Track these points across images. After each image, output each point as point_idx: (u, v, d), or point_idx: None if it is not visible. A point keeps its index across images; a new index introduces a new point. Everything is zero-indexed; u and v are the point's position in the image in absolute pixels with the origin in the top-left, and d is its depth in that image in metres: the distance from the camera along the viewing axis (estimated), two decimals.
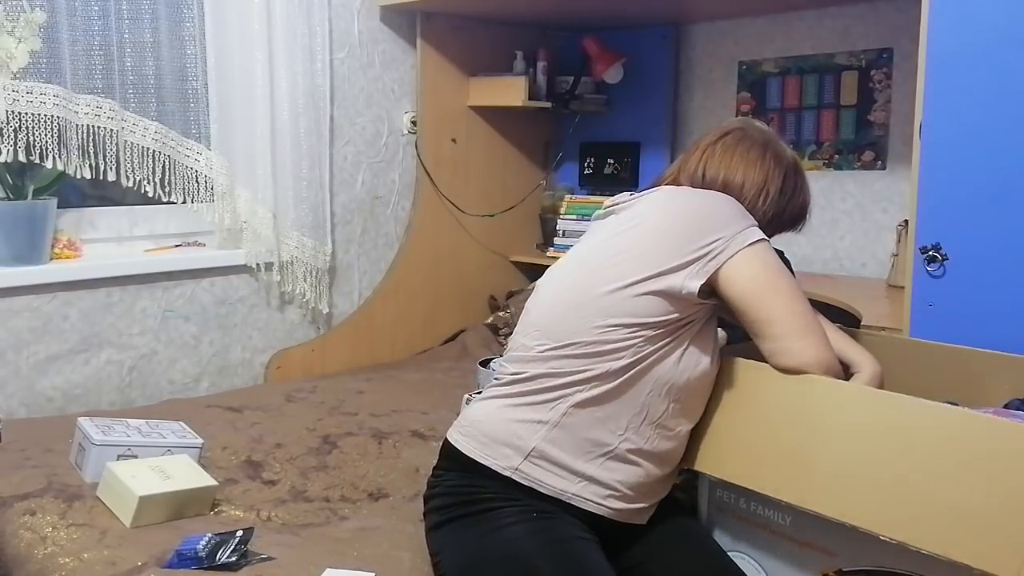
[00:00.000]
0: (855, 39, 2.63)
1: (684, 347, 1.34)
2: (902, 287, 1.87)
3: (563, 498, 1.32)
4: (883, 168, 2.61)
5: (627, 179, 3.11)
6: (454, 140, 2.98)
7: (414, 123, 2.89)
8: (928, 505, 1.15)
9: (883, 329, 1.88)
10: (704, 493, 1.51)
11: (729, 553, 1.44)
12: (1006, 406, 1.47)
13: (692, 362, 1.34)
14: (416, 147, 2.89)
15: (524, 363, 1.37)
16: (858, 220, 2.67)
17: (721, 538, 1.47)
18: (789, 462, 1.30)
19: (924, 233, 1.76)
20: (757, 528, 1.42)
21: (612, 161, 3.16)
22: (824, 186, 2.74)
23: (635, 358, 1.31)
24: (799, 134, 2.78)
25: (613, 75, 3.00)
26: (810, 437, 1.30)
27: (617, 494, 1.34)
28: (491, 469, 1.34)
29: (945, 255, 1.74)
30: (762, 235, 1.35)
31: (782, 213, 1.47)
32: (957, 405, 1.32)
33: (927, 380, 1.58)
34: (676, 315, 1.31)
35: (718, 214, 1.34)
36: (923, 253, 1.76)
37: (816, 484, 1.26)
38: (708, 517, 1.50)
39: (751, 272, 1.32)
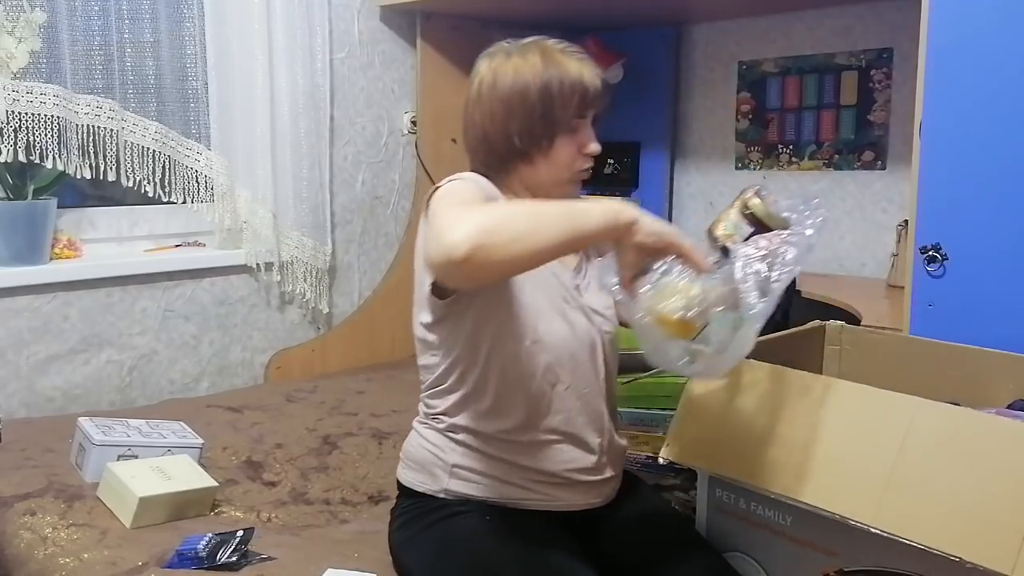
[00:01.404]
0: (855, 39, 2.63)
1: (507, 334, 1.32)
2: (902, 287, 1.87)
3: (503, 503, 1.33)
4: (883, 168, 2.61)
5: (627, 179, 3.12)
6: (454, 140, 2.97)
7: (414, 123, 2.89)
8: (926, 501, 1.15)
9: (883, 329, 1.88)
10: (704, 493, 1.51)
11: (729, 553, 1.44)
12: (1010, 406, 1.47)
13: (517, 336, 1.32)
14: (416, 147, 2.89)
15: (423, 396, 1.43)
16: (858, 220, 2.67)
17: (721, 538, 1.47)
18: (788, 458, 1.30)
19: (924, 233, 1.76)
20: (757, 528, 1.42)
21: (612, 161, 3.16)
22: (824, 186, 2.74)
23: (467, 363, 1.33)
24: (799, 134, 2.78)
25: (613, 75, 3.00)
26: (810, 434, 1.30)
27: (553, 482, 1.34)
28: (427, 494, 1.37)
29: (945, 255, 1.74)
30: (438, 185, 1.29)
31: (551, 108, 1.32)
32: (959, 405, 1.32)
33: (929, 379, 1.58)
34: (450, 324, 1.33)
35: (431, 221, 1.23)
36: (923, 253, 1.76)
37: (815, 480, 1.26)
38: (708, 517, 1.50)
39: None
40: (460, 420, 1.35)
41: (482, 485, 1.34)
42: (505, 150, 1.36)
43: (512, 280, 1.31)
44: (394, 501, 1.45)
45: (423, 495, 1.38)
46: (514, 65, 1.34)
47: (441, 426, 1.38)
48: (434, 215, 1.20)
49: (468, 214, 1.06)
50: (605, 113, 1.41)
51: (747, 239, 1.20)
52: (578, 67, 1.34)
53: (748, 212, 1.23)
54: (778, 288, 1.12)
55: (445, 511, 1.34)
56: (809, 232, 1.15)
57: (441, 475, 1.36)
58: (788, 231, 1.18)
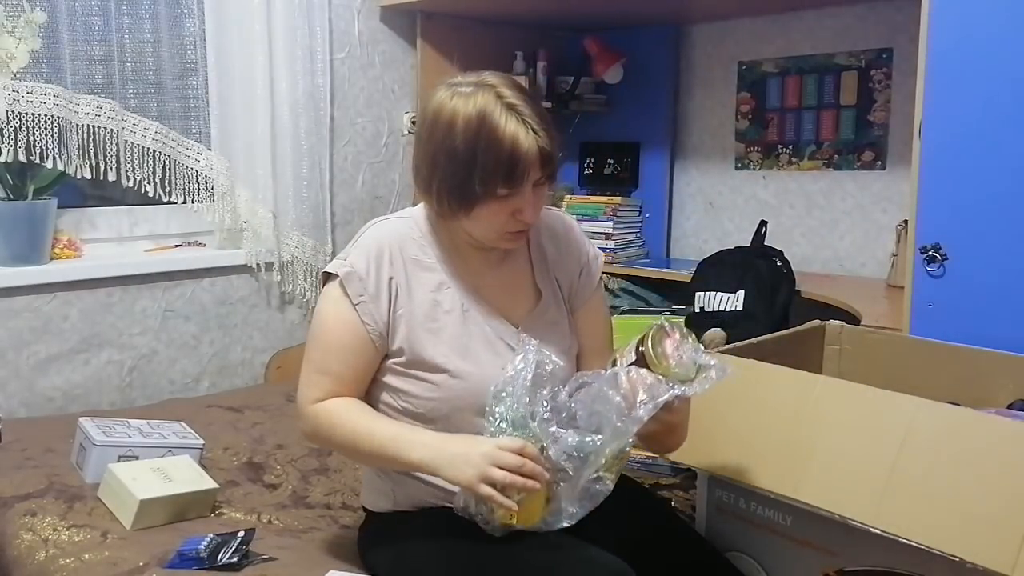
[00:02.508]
0: (855, 39, 2.63)
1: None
2: (902, 287, 1.87)
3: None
4: (883, 168, 2.61)
5: (627, 179, 3.12)
6: None
7: (414, 123, 2.89)
8: (925, 501, 1.16)
9: (883, 329, 1.88)
10: (703, 493, 1.51)
11: (729, 553, 1.44)
12: (1010, 406, 1.47)
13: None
14: None
15: None
16: (858, 220, 2.67)
17: (721, 538, 1.47)
18: (788, 458, 1.30)
19: (924, 233, 1.76)
20: (757, 528, 1.42)
21: (612, 161, 3.15)
22: (824, 186, 2.74)
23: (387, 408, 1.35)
24: (799, 134, 2.78)
25: (613, 75, 3.00)
26: (809, 434, 1.30)
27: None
28: (382, 513, 1.40)
29: (945, 255, 1.74)
30: (331, 273, 1.32)
31: (469, 180, 1.23)
32: (959, 406, 1.32)
33: (929, 380, 1.58)
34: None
35: None
36: (923, 253, 1.76)
37: (815, 480, 1.26)
38: (708, 517, 1.50)
39: None
40: None
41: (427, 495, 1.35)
42: (430, 202, 1.33)
43: (447, 347, 1.32)
44: None
45: (384, 513, 1.40)
46: (454, 111, 1.24)
47: None
48: (305, 353, 1.34)
49: (307, 416, 1.31)
50: (555, 176, 1.29)
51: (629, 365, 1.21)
52: (514, 133, 1.21)
53: (640, 348, 1.20)
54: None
55: (405, 527, 1.36)
56: (663, 398, 1.15)
57: (383, 499, 1.40)
58: (662, 380, 1.17)
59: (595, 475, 1.20)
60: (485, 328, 1.34)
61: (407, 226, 1.37)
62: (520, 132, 1.22)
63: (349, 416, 1.30)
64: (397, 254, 1.33)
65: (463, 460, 1.19)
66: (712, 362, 1.18)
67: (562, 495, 1.22)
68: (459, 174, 1.24)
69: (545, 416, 1.22)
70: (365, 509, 1.46)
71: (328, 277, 1.33)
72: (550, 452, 1.20)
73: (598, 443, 1.18)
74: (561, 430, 1.21)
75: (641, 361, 1.19)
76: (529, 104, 1.25)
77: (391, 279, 1.31)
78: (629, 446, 1.20)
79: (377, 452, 1.28)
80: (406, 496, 1.36)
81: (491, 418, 1.23)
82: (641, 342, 1.21)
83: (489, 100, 1.23)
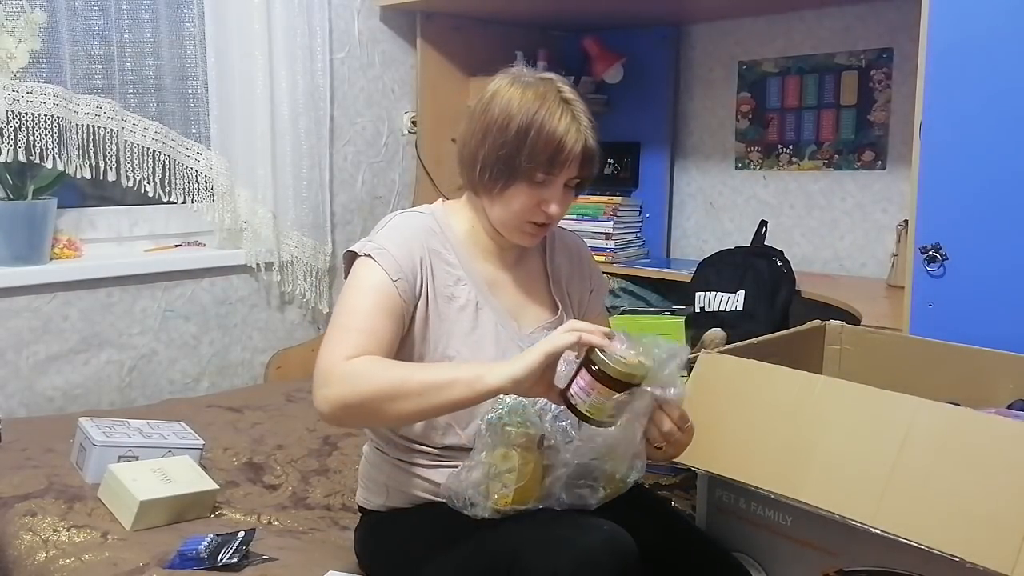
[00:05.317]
0: (855, 39, 2.63)
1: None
2: (902, 287, 1.87)
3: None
4: (883, 168, 2.61)
5: (627, 179, 3.11)
6: (454, 140, 2.95)
7: (414, 123, 2.89)
8: (926, 501, 1.16)
9: (883, 329, 1.88)
10: (704, 493, 1.51)
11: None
12: (1010, 406, 1.47)
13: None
14: (416, 147, 2.89)
15: None
16: (858, 220, 2.67)
17: (721, 538, 1.47)
18: (788, 458, 1.30)
19: (924, 233, 1.76)
20: (757, 528, 1.42)
21: (612, 161, 3.15)
22: (824, 186, 2.74)
23: None
24: (799, 134, 2.78)
25: (613, 75, 3.00)
26: (809, 434, 1.30)
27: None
28: (376, 511, 1.40)
29: (945, 255, 1.74)
30: (360, 251, 1.30)
31: (517, 154, 1.29)
32: (959, 405, 1.32)
33: (929, 380, 1.58)
34: None
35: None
36: (923, 253, 1.76)
37: (815, 480, 1.26)
38: (708, 517, 1.50)
39: None
40: (394, 439, 1.37)
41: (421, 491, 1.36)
42: (471, 175, 1.36)
43: (456, 331, 1.33)
44: None
45: (378, 511, 1.41)
46: (512, 94, 1.32)
47: (378, 445, 1.40)
48: (331, 324, 1.26)
49: (339, 373, 1.17)
50: (588, 182, 1.36)
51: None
52: (567, 125, 1.29)
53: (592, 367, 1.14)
54: None
55: (398, 524, 1.36)
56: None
57: (380, 493, 1.40)
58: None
59: (591, 483, 1.24)
60: (497, 327, 1.36)
61: (427, 220, 1.39)
62: (573, 126, 1.30)
63: (392, 364, 1.22)
64: (422, 241, 1.35)
65: (545, 339, 1.14)
66: (675, 348, 1.16)
67: (555, 482, 1.24)
68: (507, 147, 1.29)
69: (556, 412, 1.24)
70: (361, 508, 1.46)
71: (354, 257, 1.32)
72: (549, 442, 1.24)
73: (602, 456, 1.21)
74: (570, 426, 1.24)
75: (602, 376, 1.12)
76: (582, 104, 1.34)
77: (421, 259, 1.33)
78: (636, 475, 1.24)
79: (435, 383, 1.15)
80: (399, 490, 1.37)
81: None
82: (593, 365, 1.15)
83: (550, 91, 1.32)
